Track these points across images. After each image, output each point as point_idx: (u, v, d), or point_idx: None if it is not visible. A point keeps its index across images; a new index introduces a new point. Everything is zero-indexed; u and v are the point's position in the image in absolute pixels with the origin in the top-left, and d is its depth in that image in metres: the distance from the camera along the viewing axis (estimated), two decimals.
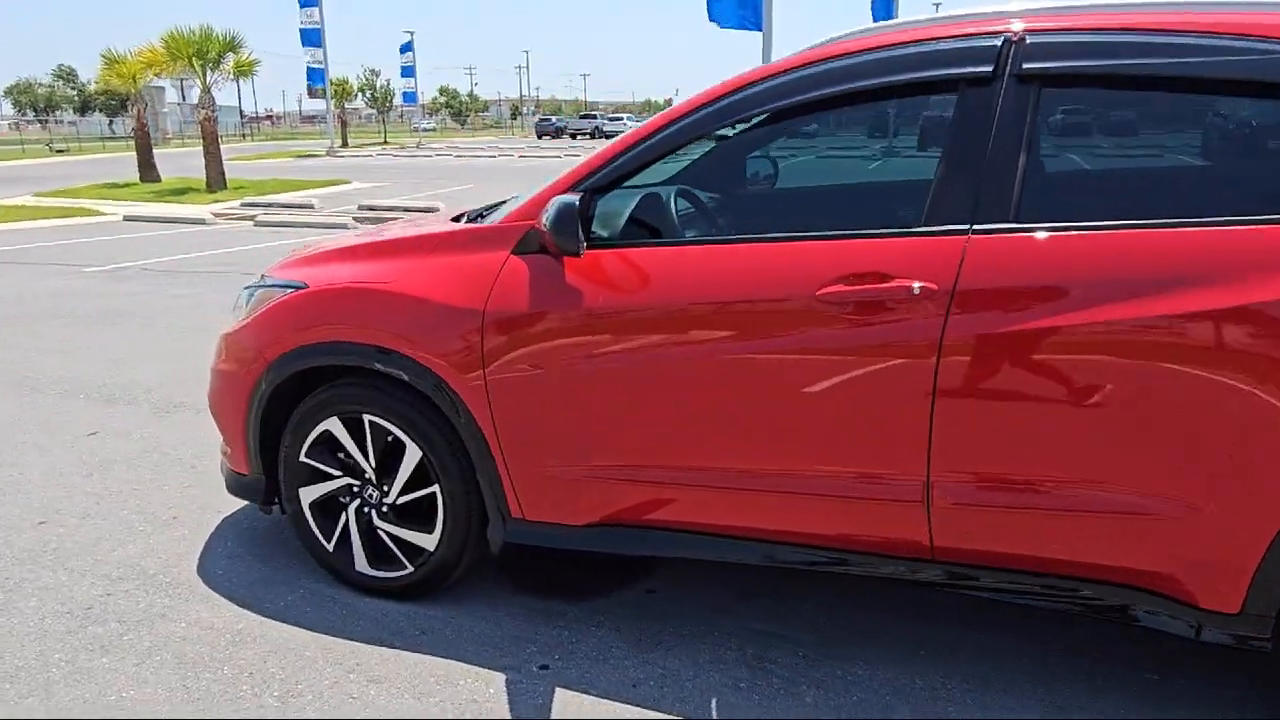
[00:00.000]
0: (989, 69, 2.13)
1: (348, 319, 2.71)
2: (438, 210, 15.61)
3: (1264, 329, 1.88)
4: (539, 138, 58.07)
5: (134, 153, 21.79)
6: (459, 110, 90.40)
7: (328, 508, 2.93)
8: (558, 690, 2.44)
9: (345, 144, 43.97)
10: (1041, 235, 2.05)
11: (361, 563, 2.89)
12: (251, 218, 14.96)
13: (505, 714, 2.35)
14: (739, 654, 2.59)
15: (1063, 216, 2.07)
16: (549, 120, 61.85)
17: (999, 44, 2.14)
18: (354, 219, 14.44)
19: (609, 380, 2.42)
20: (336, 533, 2.91)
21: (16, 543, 3.31)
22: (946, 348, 2.09)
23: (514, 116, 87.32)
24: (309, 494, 2.91)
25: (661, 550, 2.55)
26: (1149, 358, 1.98)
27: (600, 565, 3.08)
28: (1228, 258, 1.91)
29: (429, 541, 2.78)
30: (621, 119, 57.84)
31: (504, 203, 3.29)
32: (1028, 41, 2.13)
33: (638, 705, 2.37)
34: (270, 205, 16.56)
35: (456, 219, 3.14)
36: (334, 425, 2.80)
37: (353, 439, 2.80)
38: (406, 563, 2.83)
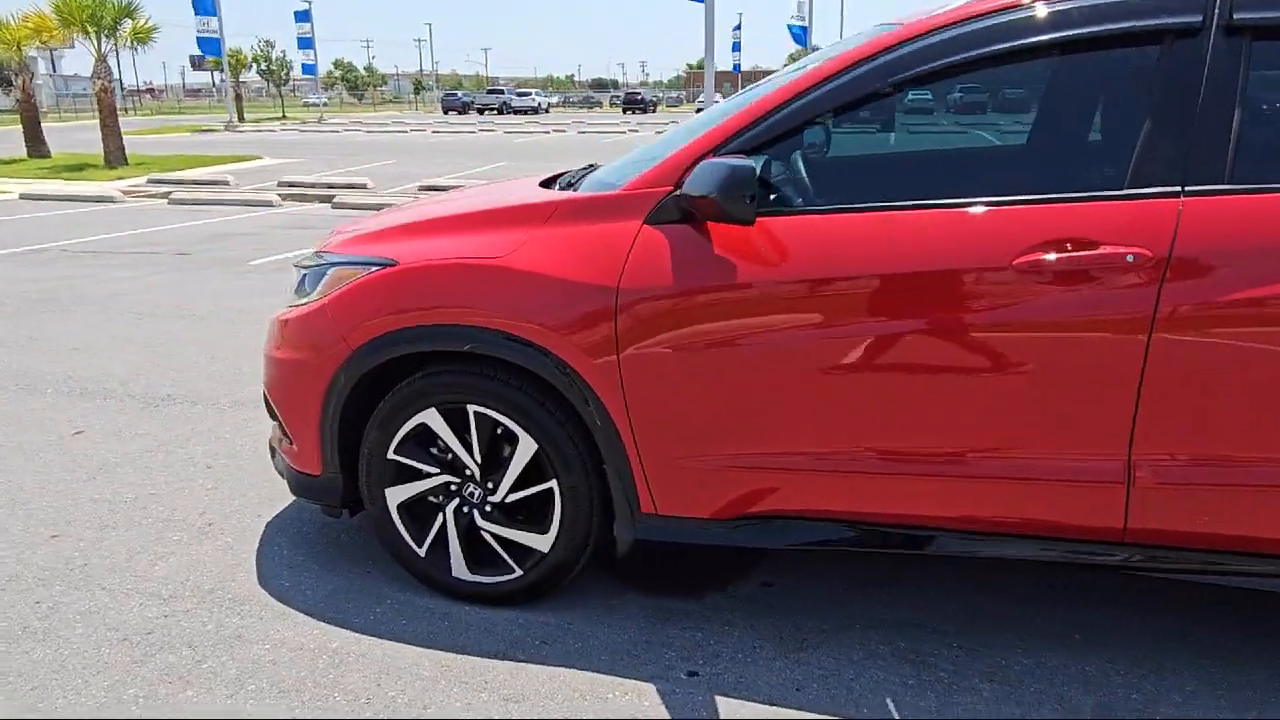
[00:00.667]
0: (1197, 19, 2.00)
1: (453, 299, 2.42)
2: (366, 186, 15.05)
3: None
4: (445, 113, 56.55)
5: (13, 126, 20.17)
6: (355, 84, 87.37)
7: (419, 509, 2.64)
8: (719, 699, 2.25)
9: (241, 118, 41.89)
10: (1260, 197, 1.94)
11: (460, 567, 2.62)
12: (164, 195, 14.04)
13: None
14: (891, 648, 2.44)
15: (1249, 178, 1.96)
16: (455, 95, 60.19)
17: None
18: (279, 196, 13.70)
19: (768, 360, 2.21)
20: (430, 536, 2.63)
21: (33, 560, 2.90)
22: (1160, 320, 1.97)
23: (417, 91, 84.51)
24: (397, 494, 2.62)
25: (815, 543, 2.36)
26: None
27: (700, 557, 2.88)
28: None
29: (542, 542, 2.53)
30: (530, 94, 56.91)
31: (589, 169, 3.06)
32: None
33: (812, 711, 2.20)
34: (181, 182, 15.60)
35: (546, 184, 2.88)
36: (431, 418, 2.51)
37: (454, 432, 2.52)
38: (515, 566, 2.58)
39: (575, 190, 2.69)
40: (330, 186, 14.85)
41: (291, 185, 14.98)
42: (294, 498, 3.29)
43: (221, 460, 3.68)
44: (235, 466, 3.62)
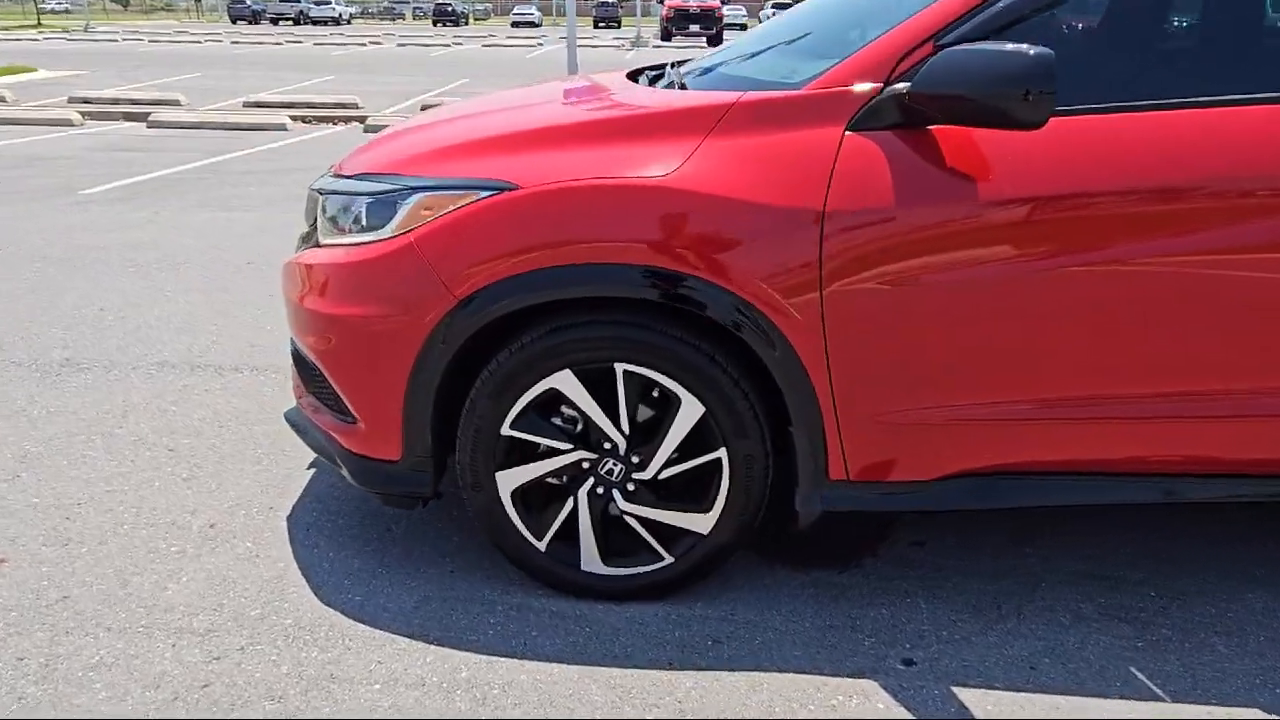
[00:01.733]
0: None
1: (605, 231, 1.90)
2: (180, 102, 13.27)
3: None
4: (233, 22, 51.29)
5: None
6: None
7: (538, 494, 2.14)
8: (955, 690, 1.93)
9: None
10: None
11: (591, 559, 2.15)
12: None
13: None
14: (1093, 605, 2.20)
15: None
16: (244, 2, 54.57)
17: None
18: (79, 114, 11.81)
19: (1014, 292, 1.86)
20: (555, 525, 2.13)
21: None
22: None
23: None
24: (512, 479, 2.10)
25: (1037, 499, 2.06)
26: None
27: (827, 521, 2.54)
28: None
29: (703, 522, 2.10)
30: (329, 2, 52.53)
31: (676, 64, 2.58)
32: None
33: (1062, 693, 1.92)
34: None
35: (632, 78, 2.39)
36: (564, 381, 2.00)
37: (594, 397, 2.02)
38: (663, 553, 2.13)
39: (666, 86, 2.22)
40: (137, 103, 13.02)
41: (88, 101, 13.03)
42: (306, 482, 2.69)
43: (183, 440, 2.96)
44: (206, 447, 2.91)
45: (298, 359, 2.31)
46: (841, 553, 2.40)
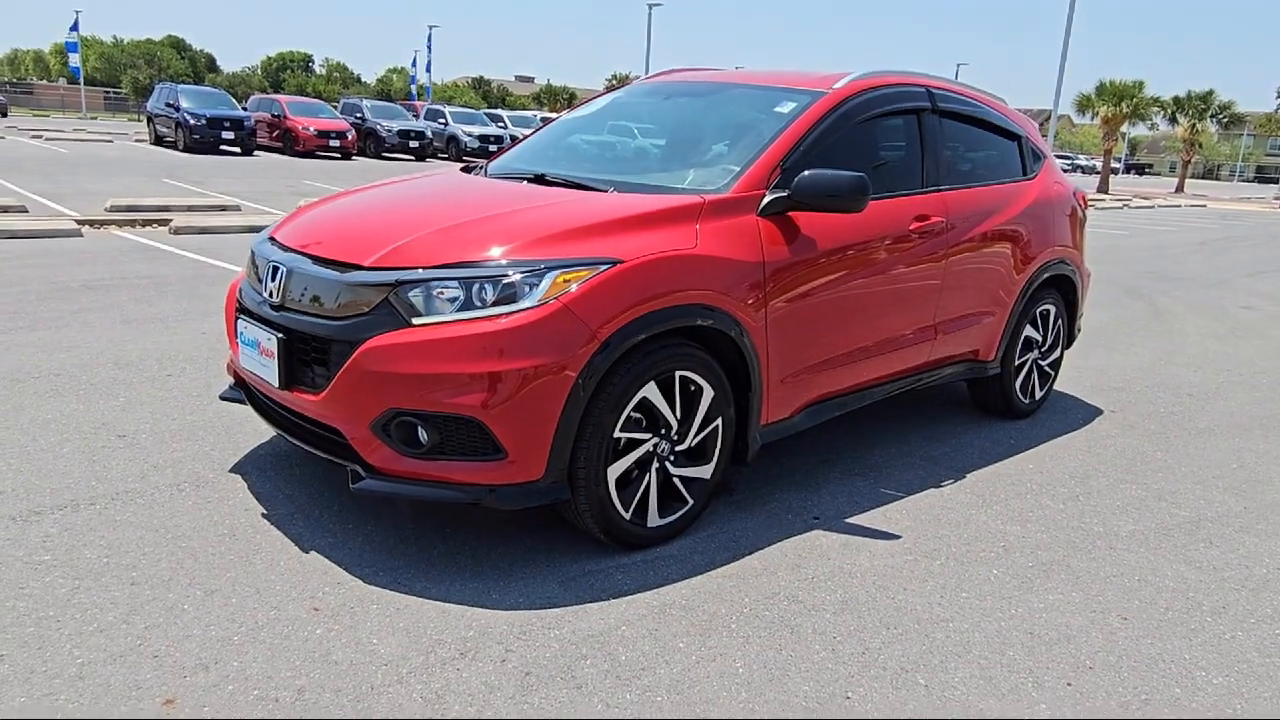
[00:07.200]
0: (928, 104, 4.04)
1: (678, 284, 2.93)
2: None
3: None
4: None
5: None
6: None
7: (627, 477, 2.98)
8: (851, 520, 3.45)
9: None
10: (957, 191, 4.12)
11: (654, 516, 3.08)
12: None
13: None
14: (837, 471, 3.94)
15: (955, 182, 4.16)
16: None
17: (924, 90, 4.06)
18: None
19: (827, 300, 3.48)
20: (636, 497, 3.00)
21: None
22: (949, 251, 4.00)
23: None
24: (615, 471, 2.91)
25: (838, 410, 3.69)
26: (988, 246, 4.27)
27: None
28: (1005, 199, 4.37)
29: (707, 470, 3.21)
30: None
31: (483, 164, 3.70)
32: (934, 91, 4.10)
33: (878, 504, 3.61)
34: None
35: (466, 171, 3.69)
36: (650, 390, 2.93)
37: (664, 397, 2.99)
38: (689, 498, 3.18)
39: (489, 175, 3.79)
40: None
41: None
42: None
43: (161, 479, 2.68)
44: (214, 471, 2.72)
45: (398, 427, 2.67)
46: (720, 490, 3.70)
